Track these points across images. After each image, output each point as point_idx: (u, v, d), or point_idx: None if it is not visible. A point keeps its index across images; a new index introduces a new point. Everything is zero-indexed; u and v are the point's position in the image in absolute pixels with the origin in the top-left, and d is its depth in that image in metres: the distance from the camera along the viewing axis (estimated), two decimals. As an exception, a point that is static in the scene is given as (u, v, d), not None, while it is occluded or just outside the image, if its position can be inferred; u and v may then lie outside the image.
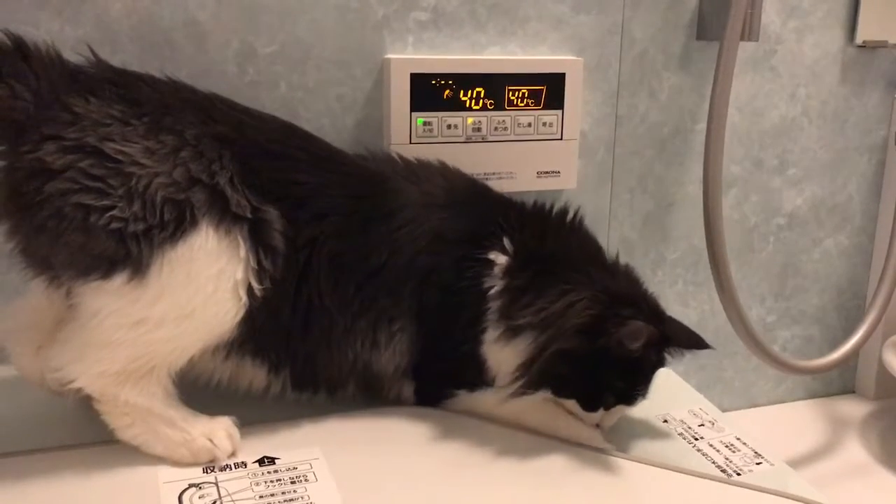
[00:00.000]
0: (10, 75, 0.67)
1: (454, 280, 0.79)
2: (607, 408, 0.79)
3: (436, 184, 0.83)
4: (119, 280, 0.67)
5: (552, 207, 0.85)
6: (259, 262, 0.71)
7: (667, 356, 0.80)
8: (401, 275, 0.78)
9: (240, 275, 0.70)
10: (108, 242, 0.66)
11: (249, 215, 0.70)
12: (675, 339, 0.79)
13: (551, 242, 0.81)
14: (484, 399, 0.81)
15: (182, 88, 0.76)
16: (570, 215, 0.85)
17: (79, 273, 0.68)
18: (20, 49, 0.69)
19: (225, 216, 0.69)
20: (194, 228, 0.68)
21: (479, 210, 0.83)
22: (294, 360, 0.77)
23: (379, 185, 0.80)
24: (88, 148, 0.66)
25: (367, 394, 0.82)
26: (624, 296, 0.78)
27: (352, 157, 0.83)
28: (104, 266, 0.67)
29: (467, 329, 0.79)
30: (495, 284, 0.78)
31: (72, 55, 0.73)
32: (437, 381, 0.82)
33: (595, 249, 0.84)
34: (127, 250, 0.66)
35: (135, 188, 0.66)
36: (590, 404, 0.78)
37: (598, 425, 0.80)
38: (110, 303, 0.68)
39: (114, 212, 0.66)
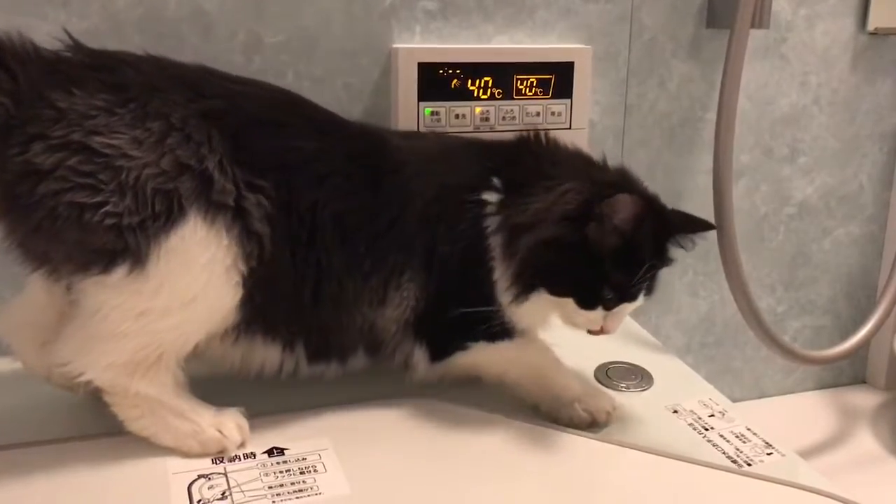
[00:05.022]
0: None
1: (457, 225, 0.79)
2: (608, 307, 0.77)
3: (429, 140, 0.85)
4: (119, 273, 0.67)
5: (530, 136, 0.84)
6: (244, 248, 0.70)
7: (671, 250, 0.79)
8: (413, 227, 0.77)
9: (228, 261, 0.70)
10: (105, 237, 0.66)
11: (231, 203, 0.69)
12: (675, 225, 0.79)
13: (535, 167, 0.80)
14: (490, 351, 0.80)
15: (167, 66, 0.74)
16: (544, 138, 0.84)
17: (78, 268, 0.68)
18: None
19: (210, 205, 0.69)
20: (183, 218, 0.67)
21: (471, 157, 0.83)
22: (308, 332, 0.77)
23: (379, 144, 0.80)
24: (75, 145, 0.65)
25: (373, 358, 0.81)
26: (615, 183, 0.77)
27: (348, 121, 0.82)
28: (104, 260, 0.67)
29: (475, 273, 0.78)
30: (490, 224, 0.78)
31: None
32: (449, 333, 0.80)
33: (582, 157, 0.84)
34: (125, 243, 0.66)
35: (125, 181, 0.66)
36: (587, 301, 0.76)
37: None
38: (113, 296, 0.68)
39: (107, 207, 0.65)
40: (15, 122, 0.66)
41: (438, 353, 0.80)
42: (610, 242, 0.74)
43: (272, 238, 0.72)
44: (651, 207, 0.76)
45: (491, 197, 0.79)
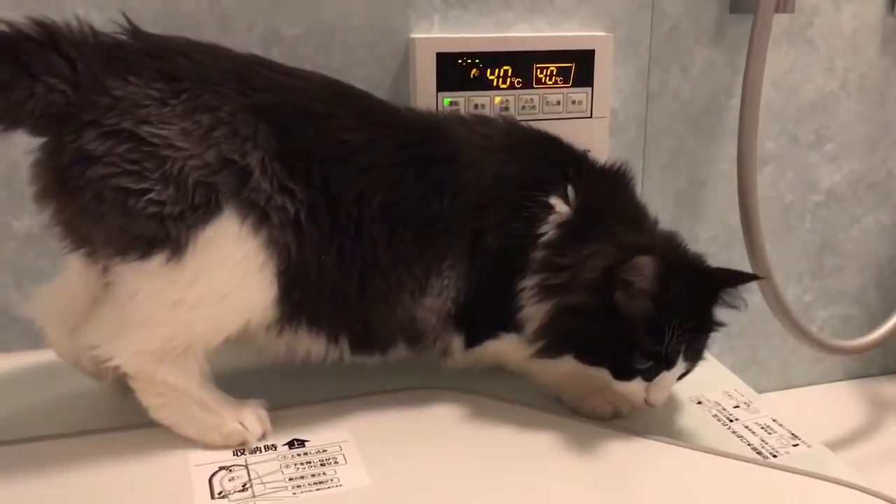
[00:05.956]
0: (44, 71, 0.67)
1: (510, 220, 0.77)
2: (647, 378, 0.73)
3: (495, 128, 0.82)
4: (157, 261, 0.68)
5: (617, 167, 0.83)
6: (273, 248, 0.70)
7: (714, 311, 0.76)
8: (462, 216, 0.76)
9: (261, 259, 0.70)
10: (147, 224, 0.67)
11: (262, 203, 0.69)
12: (716, 282, 0.75)
13: (607, 201, 0.79)
14: (518, 342, 0.79)
15: (221, 56, 0.74)
16: (627, 177, 0.83)
17: (118, 252, 0.69)
18: (50, 37, 0.68)
19: (244, 202, 0.69)
20: (219, 212, 0.68)
21: (544, 155, 0.81)
22: (352, 326, 0.77)
23: (432, 133, 0.79)
24: (125, 133, 0.66)
25: (414, 349, 0.80)
26: (642, 245, 0.73)
27: (402, 110, 0.82)
28: (143, 247, 0.67)
29: (514, 272, 0.77)
30: (549, 231, 0.77)
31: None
32: (483, 321, 0.80)
33: (641, 213, 0.82)
34: (165, 232, 0.67)
35: (169, 171, 0.67)
36: (622, 372, 0.73)
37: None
38: (149, 283, 0.68)
39: (151, 195, 0.66)
40: (73, 108, 0.67)
41: (472, 339, 0.80)
42: (638, 308, 0.71)
43: (300, 242, 0.71)
44: (681, 267, 0.73)
45: (560, 207, 0.78)
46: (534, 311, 0.77)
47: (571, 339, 0.74)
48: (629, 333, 0.72)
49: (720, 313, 0.77)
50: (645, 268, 0.70)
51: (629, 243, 0.74)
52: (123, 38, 0.72)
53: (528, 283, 0.77)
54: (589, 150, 0.82)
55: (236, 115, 0.70)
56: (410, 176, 0.76)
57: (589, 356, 0.75)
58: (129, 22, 0.72)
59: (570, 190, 0.78)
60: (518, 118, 0.97)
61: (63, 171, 0.67)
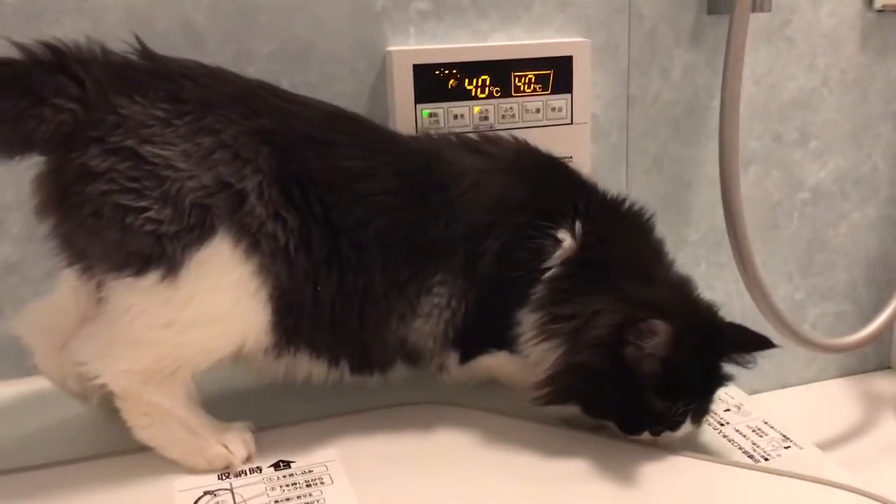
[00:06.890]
0: (53, 94, 0.67)
1: (513, 247, 0.76)
2: (654, 433, 0.74)
3: (505, 148, 0.82)
4: (152, 278, 0.67)
5: (630, 204, 0.82)
6: (266, 274, 0.70)
7: (726, 367, 0.75)
8: (457, 239, 0.76)
9: (253, 285, 0.70)
10: (143, 241, 0.67)
11: (254, 229, 0.69)
12: (729, 345, 0.74)
13: (618, 243, 0.78)
14: (510, 358, 0.79)
15: (228, 80, 0.74)
16: (645, 217, 0.82)
17: (113, 267, 0.68)
18: (58, 59, 0.68)
19: (237, 226, 0.69)
20: (213, 235, 0.68)
21: (553, 183, 0.81)
22: (351, 350, 0.76)
23: (431, 159, 0.78)
24: (127, 151, 0.67)
25: (413, 368, 0.80)
26: (653, 304, 0.72)
27: (401, 137, 0.82)
28: (138, 263, 0.67)
29: (512, 301, 0.77)
30: (553, 266, 0.76)
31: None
32: (478, 340, 0.79)
33: (654, 258, 0.80)
34: (162, 250, 0.67)
35: (168, 191, 0.67)
36: (627, 427, 0.74)
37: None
38: (142, 300, 0.68)
39: (150, 213, 0.67)
40: (81, 126, 0.67)
41: (466, 354, 0.80)
42: (649, 366, 0.71)
43: (290, 271, 0.71)
44: (693, 329, 0.71)
45: (568, 242, 0.77)
46: (530, 350, 0.76)
47: (578, 395, 0.74)
48: (637, 391, 0.72)
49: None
50: (657, 333, 0.69)
51: (640, 300, 0.73)
52: (133, 57, 0.72)
53: (527, 317, 0.76)
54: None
55: (238, 138, 0.70)
56: (407, 202, 0.75)
57: (595, 411, 0.75)
58: (140, 42, 0.73)
59: (578, 224, 0.77)
60: (498, 127, 0.98)
61: (65, 186, 0.68)
